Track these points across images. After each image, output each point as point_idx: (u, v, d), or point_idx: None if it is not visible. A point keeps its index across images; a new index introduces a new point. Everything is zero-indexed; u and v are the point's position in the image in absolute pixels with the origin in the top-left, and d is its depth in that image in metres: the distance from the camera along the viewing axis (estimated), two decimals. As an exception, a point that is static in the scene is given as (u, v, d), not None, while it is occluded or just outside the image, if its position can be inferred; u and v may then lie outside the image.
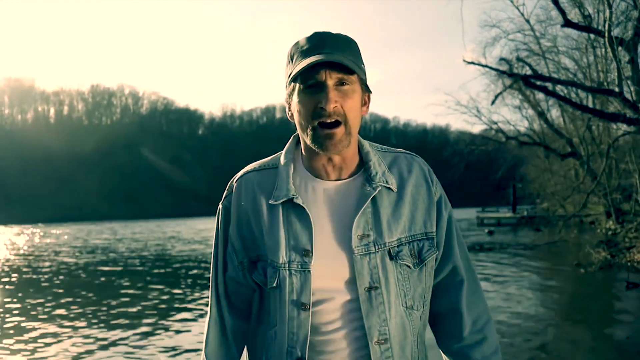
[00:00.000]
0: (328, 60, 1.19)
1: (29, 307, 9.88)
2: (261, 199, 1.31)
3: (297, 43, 1.28)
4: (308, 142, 1.27)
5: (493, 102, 21.48)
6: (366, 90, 1.31)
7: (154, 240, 30.17)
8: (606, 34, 11.16)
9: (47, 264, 18.02)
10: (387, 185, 1.30)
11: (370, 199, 1.27)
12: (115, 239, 32.14)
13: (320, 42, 1.25)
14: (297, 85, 1.25)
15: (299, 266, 1.25)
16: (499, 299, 9.58)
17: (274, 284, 1.26)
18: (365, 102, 1.31)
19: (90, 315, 8.89)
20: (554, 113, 25.81)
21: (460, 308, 1.36)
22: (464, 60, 17.85)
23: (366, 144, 1.36)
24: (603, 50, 14.70)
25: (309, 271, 1.24)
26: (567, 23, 13.00)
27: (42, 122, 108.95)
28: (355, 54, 1.27)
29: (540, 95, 22.65)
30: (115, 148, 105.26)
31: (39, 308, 9.67)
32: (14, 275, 15.08)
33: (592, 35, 15.04)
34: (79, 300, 10.47)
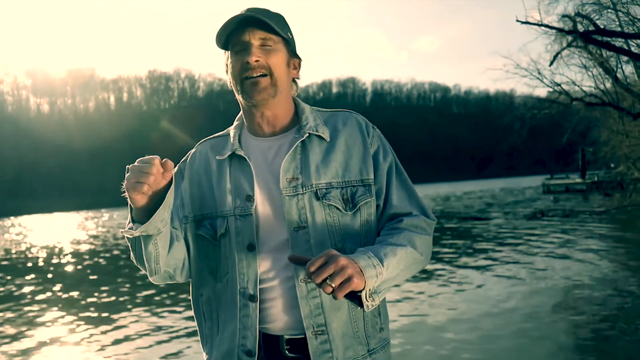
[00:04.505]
0: (248, 16, 1.31)
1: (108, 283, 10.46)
2: (212, 158, 1.44)
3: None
4: (240, 99, 1.41)
5: (552, 63, 19.61)
6: (294, 55, 1.43)
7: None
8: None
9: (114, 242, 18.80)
10: (318, 134, 1.38)
11: (299, 144, 1.37)
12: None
13: (245, 10, 1.34)
14: (229, 53, 1.39)
15: (243, 210, 1.35)
16: (562, 265, 9.11)
17: (223, 230, 1.35)
18: (295, 67, 1.44)
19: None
20: (628, 70, 23.51)
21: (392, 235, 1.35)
22: (517, 20, 16.29)
23: (304, 104, 1.48)
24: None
25: (252, 214, 1.34)
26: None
27: (103, 110, 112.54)
28: (281, 22, 1.38)
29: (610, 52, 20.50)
30: (174, 131, 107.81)
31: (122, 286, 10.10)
32: (92, 255, 15.91)
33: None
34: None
